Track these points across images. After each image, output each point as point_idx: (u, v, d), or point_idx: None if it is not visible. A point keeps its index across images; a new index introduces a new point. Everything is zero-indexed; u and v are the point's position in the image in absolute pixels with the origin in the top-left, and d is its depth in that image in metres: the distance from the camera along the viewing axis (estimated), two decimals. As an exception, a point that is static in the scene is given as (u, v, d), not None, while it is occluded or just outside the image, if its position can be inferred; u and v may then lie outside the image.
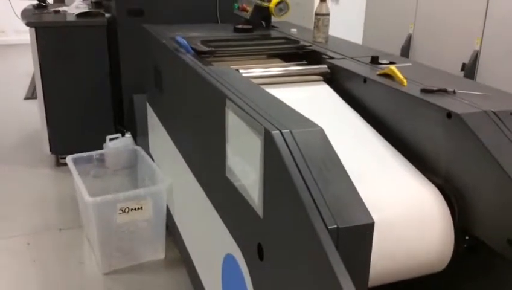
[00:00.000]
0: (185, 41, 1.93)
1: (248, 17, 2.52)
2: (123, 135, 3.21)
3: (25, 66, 5.69)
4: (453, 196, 1.28)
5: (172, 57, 1.97)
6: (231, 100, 1.32)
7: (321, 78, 1.79)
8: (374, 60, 1.75)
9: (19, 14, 3.68)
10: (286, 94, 1.61)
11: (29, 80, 5.31)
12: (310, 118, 1.20)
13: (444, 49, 2.86)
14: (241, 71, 1.73)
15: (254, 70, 1.77)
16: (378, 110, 1.54)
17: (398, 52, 3.15)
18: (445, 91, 1.38)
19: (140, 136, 3.15)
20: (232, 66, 1.82)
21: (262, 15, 2.54)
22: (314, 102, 1.63)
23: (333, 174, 1.04)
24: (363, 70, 1.67)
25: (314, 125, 1.13)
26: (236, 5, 2.62)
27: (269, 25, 2.57)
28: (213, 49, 1.92)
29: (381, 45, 3.32)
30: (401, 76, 1.50)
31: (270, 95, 1.38)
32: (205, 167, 1.72)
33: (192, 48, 1.94)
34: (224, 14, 3.15)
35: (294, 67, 1.85)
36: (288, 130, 1.09)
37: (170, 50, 2.01)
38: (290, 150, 1.06)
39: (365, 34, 3.58)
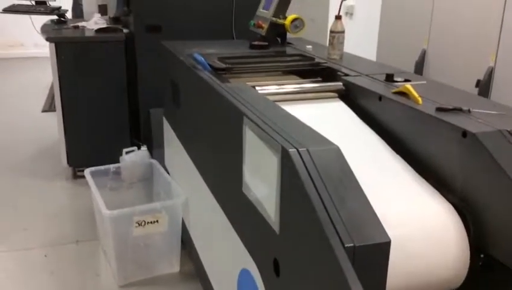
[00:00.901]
0: (203, 58, 1.97)
1: (264, 34, 2.56)
2: (139, 148, 3.26)
3: (43, 78, 5.83)
4: (468, 214, 1.28)
5: (190, 73, 2.01)
6: (249, 118, 1.35)
7: (336, 95, 1.81)
8: (389, 78, 1.77)
9: (38, 28, 3.77)
10: (302, 111, 1.63)
11: (46, 92, 5.42)
12: (326, 135, 1.22)
13: (459, 65, 2.87)
14: (257, 88, 1.76)
15: (270, 87, 1.80)
16: (394, 128, 1.56)
17: (412, 67, 3.16)
18: (460, 110, 1.40)
19: (156, 150, 3.19)
20: (248, 83, 1.85)
21: (278, 32, 2.58)
22: (330, 119, 1.66)
23: (349, 192, 1.06)
24: (378, 87, 1.69)
25: (330, 143, 1.15)
26: (252, 22, 2.67)
27: (284, 42, 2.60)
28: (230, 66, 1.96)
29: (395, 60, 3.34)
30: (416, 94, 1.51)
31: (287, 112, 1.41)
32: (221, 181, 1.74)
33: (209, 64, 1.97)
34: (240, 30, 3.20)
35: (309, 85, 1.88)
36: (305, 148, 1.11)
37: (188, 66, 2.05)
38: (306, 167, 1.08)
39: (379, 48, 3.60)
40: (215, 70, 1.93)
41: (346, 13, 5.14)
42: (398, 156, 1.46)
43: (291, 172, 1.10)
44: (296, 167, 1.08)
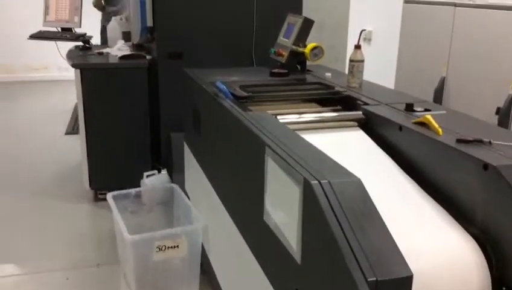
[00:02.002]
0: (225, 87, 2.02)
1: (284, 62, 2.61)
2: (159, 171, 3.31)
3: (67, 101, 5.97)
4: (490, 246, 1.28)
5: (212, 101, 2.05)
6: (271, 148, 1.38)
7: (356, 124, 1.83)
8: (409, 108, 1.78)
9: (62, 53, 3.89)
10: (322, 140, 1.66)
11: (70, 115, 5.54)
12: (347, 165, 1.24)
13: (479, 92, 2.87)
14: (278, 117, 1.80)
15: (290, 116, 1.83)
16: (414, 158, 1.57)
17: (431, 94, 3.16)
18: (480, 141, 1.41)
19: (177, 174, 3.24)
20: (269, 111, 1.89)
21: (298, 59, 2.63)
22: (350, 148, 1.68)
23: (371, 224, 1.07)
24: (398, 117, 1.70)
25: (352, 175, 1.17)
26: (272, 50, 2.72)
27: (304, 69, 2.65)
28: (251, 94, 2.00)
29: (413, 86, 3.35)
30: (436, 125, 1.53)
31: (309, 143, 1.43)
32: (242, 208, 1.77)
33: (231, 92, 2.02)
34: (259, 57, 3.26)
35: (329, 114, 1.90)
36: (326, 181, 1.13)
37: (210, 94, 2.10)
38: (328, 200, 1.10)
39: (398, 74, 3.62)
40: (237, 99, 1.98)
41: (365, 39, 5.18)
42: (418, 187, 1.47)
43: (313, 204, 1.12)
44: (318, 199, 1.10)
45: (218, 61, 3.17)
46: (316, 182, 1.12)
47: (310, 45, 2.54)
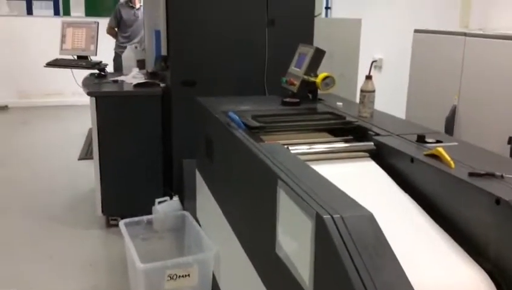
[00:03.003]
0: (237, 117, 2.04)
1: (295, 91, 2.64)
2: (171, 197, 3.32)
3: (80, 125, 6.05)
4: (503, 281, 1.27)
5: (225, 131, 2.08)
6: (283, 181, 1.39)
7: (367, 154, 1.84)
8: (420, 139, 1.79)
9: (77, 79, 3.97)
10: (334, 171, 1.67)
11: (83, 139, 5.61)
12: (359, 196, 1.25)
13: (490, 121, 2.87)
14: (290, 147, 1.81)
15: (302, 147, 1.85)
16: (426, 190, 1.57)
17: (442, 122, 3.17)
18: (493, 175, 1.41)
19: (188, 200, 3.25)
20: (281, 141, 1.90)
21: (309, 89, 2.66)
22: (362, 179, 1.68)
23: (384, 260, 1.07)
24: (410, 149, 1.71)
25: (364, 210, 1.18)
26: (284, 79, 2.75)
27: (316, 98, 2.67)
28: (263, 124, 2.02)
29: (425, 114, 3.36)
30: (448, 158, 1.53)
31: (321, 176, 1.44)
32: (254, 239, 1.77)
33: (243, 122, 2.04)
34: (271, 86, 3.30)
35: (340, 145, 1.92)
36: (339, 215, 1.14)
37: (223, 124, 2.12)
38: (341, 235, 1.10)
39: (409, 102, 3.63)
40: (249, 129, 2.00)
41: (375, 66, 5.23)
42: (431, 220, 1.46)
43: (326, 238, 1.12)
44: (330, 234, 1.10)
45: (230, 89, 3.21)
46: (329, 216, 1.13)
47: (321, 75, 2.57)
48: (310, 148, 1.84)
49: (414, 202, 1.55)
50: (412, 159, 1.63)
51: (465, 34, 3.03)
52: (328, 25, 3.63)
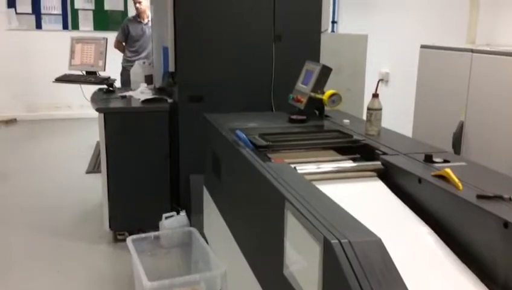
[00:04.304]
0: (244, 136, 2.06)
1: (302, 108, 2.65)
2: (178, 213, 3.33)
3: (88, 139, 6.09)
4: (514, 305, 1.26)
5: (232, 149, 2.09)
6: (291, 203, 1.40)
7: (375, 174, 1.84)
8: (428, 159, 1.79)
9: (86, 93, 4.01)
10: (341, 191, 1.68)
11: (91, 152, 5.64)
12: (367, 218, 1.25)
13: (498, 137, 2.86)
14: (297, 166, 1.82)
15: (309, 166, 1.85)
16: (434, 211, 1.57)
17: (449, 138, 3.16)
18: (501, 198, 1.40)
19: (195, 216, 3.26)
20: (287, 160, 1.91)
21: (316, 105, 2.67)
22: (370, 200, 1.68)
23: (392, 286, 1.07)
24: (418, 169, 1.71)
25: (372, 235, 1.18)
26: (291, 96, 2.77)
27: (322, 115, 2.68)
28: (270, 143, 2.03)
29: (432, 129, 3.36)
30: (456, 179, 1.53)
31: (329, 198, 1.45)
32: (261, 259, 1.77)
33: (250, 141, 2.05)
34: (278, 102, 3.32)
35: (348, 164, 1.92)
36: (347, 240, 1.14)
37: (230, 143, 2.14)
38: (349, 260, 1.10)
39: (416, 117, 3.62)
40: (256, 147, 2.01)
41: (382, 80, 5.24)
42: (440, 241, 1.46)
43: (334, 263, 1.12)
44: (338, 259, 1.11)
45: (237, 104, 3.22)
46: (336, 241, 1.14)
47: (328, 92, 2.59)
48: (317, 168, 1.84)
49: (423, 223, 1.54)
50: (420, 180, 1.63)
51: (471, 51, 3.03)
52: (335, 40, 3.65)
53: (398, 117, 3.62)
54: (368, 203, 1.64)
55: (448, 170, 1.58)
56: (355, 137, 2.14)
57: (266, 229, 1.68)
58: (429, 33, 4.35)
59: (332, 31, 6.07)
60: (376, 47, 4.45)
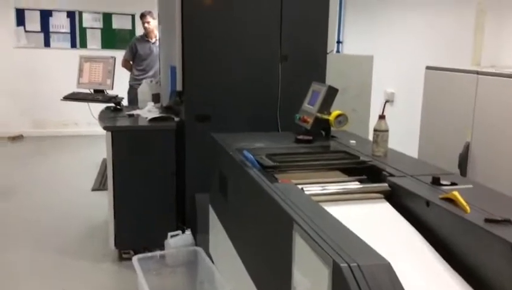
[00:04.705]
0: (252, 157, 2.07)
1: (309, 128, 2.67)
2: (183, 231, 3.33)
3: (94, 156, 6.11)
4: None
5: (240, 169, 2.10)
6: (299, 225, 1.40)
7: (382, 196, 1.85)
8: (435, 181, 1.80)
9: (93, 111, 4.04)
10: (348, 213, 1.68)
11: (97, 170, 5.66)
12: (375, 241, 1.25)
13: (505, 158, 2.86)
14: (304, 187, 1.82)
15: (316, 187, 1.86)
16: (441, 234, 1.57)
17: (455, 159, 3.16)
18: (509, 221, 1.40)
19: (201, 235, 3.25)
20: (294, 180, 1.92)
21: (322, 126, 2.69)
22: (378, 223, 1.68)
23: (401, 311, 1.07)
24: (425, 192, 1.72)
25: (381, 258, 1.18)
26: (297, 116, 2.79)
27: (329, 135, 2.70)
28: (277, 163, 2.04)
29: (437, 150, 3.36)
30: (464, 203, 1.53)
31: (337, 220, 1.45)
32: (268, 281, 1.77)
33: (257, 161, 2.07)
34: (284, 121, 3.34)
35: (355, 185, 1.93)
36: (356, 264, 1.14)
37: (237, 163, 2.15)
38: (358, 284, 1.11)
39: (421, 139, 3.63)
40: (264, 168, 2.02)
41: (388, 101, 5.27)
42: (447, 265, 1.46)
43: (343, 286, 1.13)
44: (347, 283, 1.11)
45: (244, 124, 3.25)
46: (346, 265, 1.14)
47: (335, 113, 2.61)
48: (323, 189, 1.84)
49: (430, 246, 1.54)
50: (428, 203, 1.63)
51: (477, 72, 3.05)
52: (341, 61, 3.69)
53: (403, 137, 3.63)
54: (375, 225, 1.65)
55: (456, 193, 1.59)
56: (362, 158, 2.15)
57: (273, 250, 1.69)
58: (433, 54, 4.39)
59: (338, 51, 6.12)
60: (381, 67, 4.48)
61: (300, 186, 1.82)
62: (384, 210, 1.75)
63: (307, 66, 3.44)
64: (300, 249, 1.38)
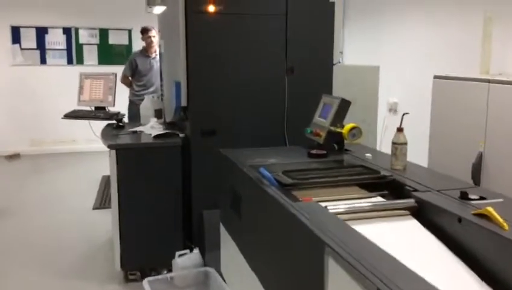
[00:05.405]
0: (269, 174, 2.00)
1: (321, 142, 2.60)
2: (191, 250, 3.24)
3: (94, 173, 6.02)
4: None
5: (256, 188, 2.02)
6: (332, 248, 1.33)
7: (408, 212, 1.77)
8: (464, 196, 1.73)
9: (93, 128, 3.96)
10: (377, 231, 1.60)
11: (97, 187, 5.55)
12: (409, 261, 1.18)
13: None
14: (327, 205, 1.75)
15: (339, 204, 1.78)
16: (476, 252, 1.50)
17: (467, 169, 3.10)
18: (552, 239, 1.34)
19: (209, 253, 3.16)
20: (315, 198, 1.85)
21: (335, 139, 2.62)
22: (408, 241, 1.61)
23: None
24: (456, 207, 1.65)
25: (428, 285, 1.11)
26: (308, 130, 2.72)
27: (342, 149, 2.63)
28: (297, 181, 1.97)
29: (448, 161, 3.30)
30: (500, 219, 1.47)
31: (371, 242, 1.37)
32: (293, 304, 1.68)
33: (275, 179, 1.99)
34: (291, 135, 3.27)
35: (380, 202, 1.85)
36: (403, 292, 1.07)
37: (253, 180, 2.07)
38: (407, 314, 1.03)
39: (431, 149, 3.57)
40: (282, 186, 1.95)
41: (390, 110, 5.22)
42: (486, 285, 1.38)
43: (390, 316, 1.05)
44: (395, 312, 1.03)
45: (250, 138, 3.17)
46: (392, 293, 1.06)
47: (348, 126, 2.54)
48: (350, 207, 1.76)
49: (465, 265, 1.47)
50: (460, 219, 1.56)
51: (488, 81, 3.00)
52: (347, 72, 3.63)
53: (409, 148, 3.57)
54: (406, 244, 1.57)
55: (491, 209, 1.52)
56: (383, 173, 2.08)
57: (300, 273, 1.60)
58: (438, 63, 4.35)
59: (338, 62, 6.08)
60: (383, 77, 4.44)
61: (323, 205, 1.75)
62: (413, 227, 1.68)
63: (313, 78, 3.38)
64: (335, 274, 1.31)
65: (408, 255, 1.35)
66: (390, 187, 2.01)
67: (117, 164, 3.20)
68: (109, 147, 3.21)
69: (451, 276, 1.43)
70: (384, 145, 3.96)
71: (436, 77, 3.48)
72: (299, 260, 1.61)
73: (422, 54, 4.72)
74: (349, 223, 1.61)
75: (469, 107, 3.17)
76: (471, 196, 1.73)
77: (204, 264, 3.16)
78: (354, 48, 6.11)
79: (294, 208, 1.68)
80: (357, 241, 1.37)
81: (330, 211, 1.70)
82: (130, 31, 7.49)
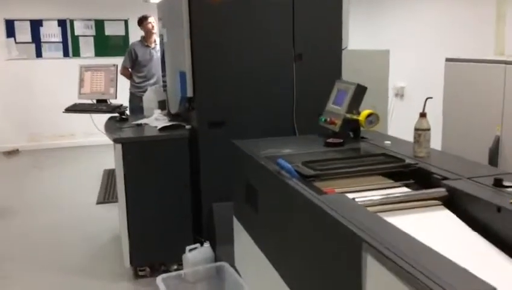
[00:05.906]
0: (289, 165, 1.90)
1: (337, 130, 2.50)
2: (201, 244, 3.16)
3: (94, 167, 5.93)
4: None
5: (276, 180, 1.93)
6: (370, 245, 1.24)
7: (439, 202, 1.69)
8: (498, 183, 1.64)
9: (95, 121, 3.85)
10: (409, 223, 1.51)
11: (99, 181, 5.45)
12: (447, 253, 1.10)
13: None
14: (354, 197, 1.66)
15: (368, 196, 1.69)
16: (518, 243, 1.41)
17: (483, 153, 3.02)
18: None
19: (221, 247, 3.08)
20: (338, 189, 1.77)
21: (351, 127, 2.53)
22: (444, 232, 1.52)
23: None
24: (492, 196, 1.56)
25: (485, 284, 1.02)
26: (323, 118, 2.62)
27: (358, 137, 2.54)
28: (319, 172, 1.87)
29: (463, 146, 3.21)
30: (544, 208, 1.38)
31: (411, 237, 1.28)
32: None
33: (296, 170, 1.90)
34: (300, 123, 3.18)
35: (410, 192, 1.76)
36: (458, 292, 0.98)
37: (271, 172, 1.98)
38: (466, 316, 0.95)
39: (444, 133, 3.48)
40: (303, 177, 1.85)
41: (397, 94, 5.13)
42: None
43: (445, 319, 0.96)
44: (453, 315, 0.95)
45: (259, 128, 3.07)
46: (447, 293, 0.98)
47: (365, 112, 2.45)
48: (381, 198, 1.67)
49: (507, 256, 1.39)
50: (500, 209, 1.48)
51: (505, 62, 2.91)
52: (356, 56, 3.52)
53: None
54: (444, 236, 1.48)
55: (532, 197, 1.43)
56: (408, 161, 1.99)
57: (332, 271, 1.51)
58: (448, 46, 4.25)
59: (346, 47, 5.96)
60: (390, 61, 4.34)
61: (350, 196, 1.66)
62: (447, 218, 1.59)
63: (322, 64, 3.29)
64: (376, 273, 1.22)
65: (447, 248, 1.26)
66: (414, 175, 1.92)
67: (123, 158, 3.10)
68: (115, 141, 3.11)
69: (496, 269, 1.34)
70: (391, 131, 3.88)
71: (448, 60, 3.39)
72: (330, 257, 1.52)
73: (430, 37, 4.62)
74: (380, 215, 1.52)
75: (484, 90, 3.08)
76: (506, 183, 1.64)
77: (215, 258, 3.09)
78: (358, 32, 5.99)
79: (321, 201, 1.59)
80: (395, 236, 1.29)
81: (359, 203, 1.61)
82: (126, 22, 7.34)
